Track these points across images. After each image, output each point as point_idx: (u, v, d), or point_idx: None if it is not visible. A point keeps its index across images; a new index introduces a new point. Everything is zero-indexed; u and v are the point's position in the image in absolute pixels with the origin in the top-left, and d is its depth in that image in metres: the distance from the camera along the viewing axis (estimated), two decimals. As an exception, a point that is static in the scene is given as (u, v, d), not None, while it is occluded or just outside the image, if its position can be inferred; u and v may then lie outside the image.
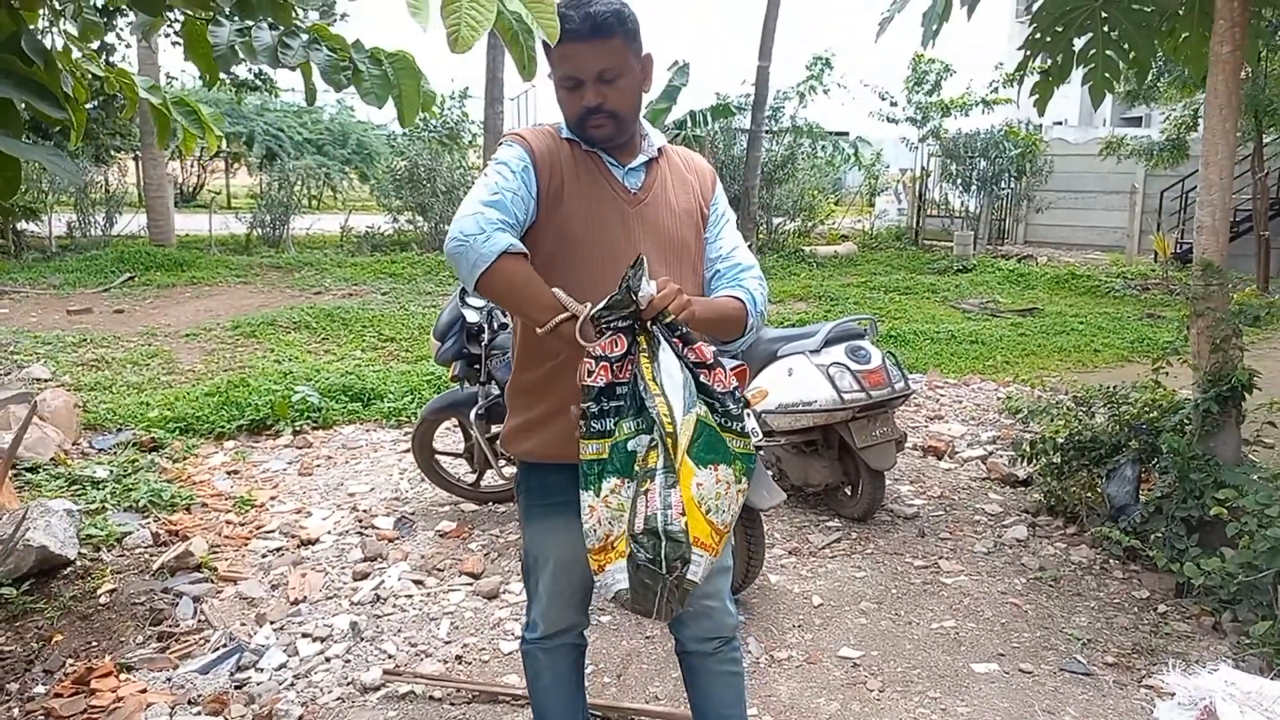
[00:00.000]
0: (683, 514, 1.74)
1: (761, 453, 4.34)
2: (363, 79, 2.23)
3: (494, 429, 4.24)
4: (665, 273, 1.98)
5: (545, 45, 1.88)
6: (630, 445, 1.77)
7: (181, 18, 2.36)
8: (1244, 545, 3.27)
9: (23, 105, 1.79)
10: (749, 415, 1.85)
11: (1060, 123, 22.79)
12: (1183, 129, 12.84)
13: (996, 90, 16.38)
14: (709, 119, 14.66)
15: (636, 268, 1.75)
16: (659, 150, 2.07)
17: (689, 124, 14.54)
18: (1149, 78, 10.97)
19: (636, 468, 1.77)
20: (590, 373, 1.76)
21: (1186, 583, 3.45)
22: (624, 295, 1.75)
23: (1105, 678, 3.04)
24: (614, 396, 1.79)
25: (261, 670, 3.08)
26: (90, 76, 2.53)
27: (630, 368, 1.80)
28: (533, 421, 2.01)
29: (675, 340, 1.83)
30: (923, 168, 17.69)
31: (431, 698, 2.92)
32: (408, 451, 5.12)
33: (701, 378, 1.82)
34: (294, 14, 2.29)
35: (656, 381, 1.77)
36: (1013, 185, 17.24)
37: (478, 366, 4.22)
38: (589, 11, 1.83)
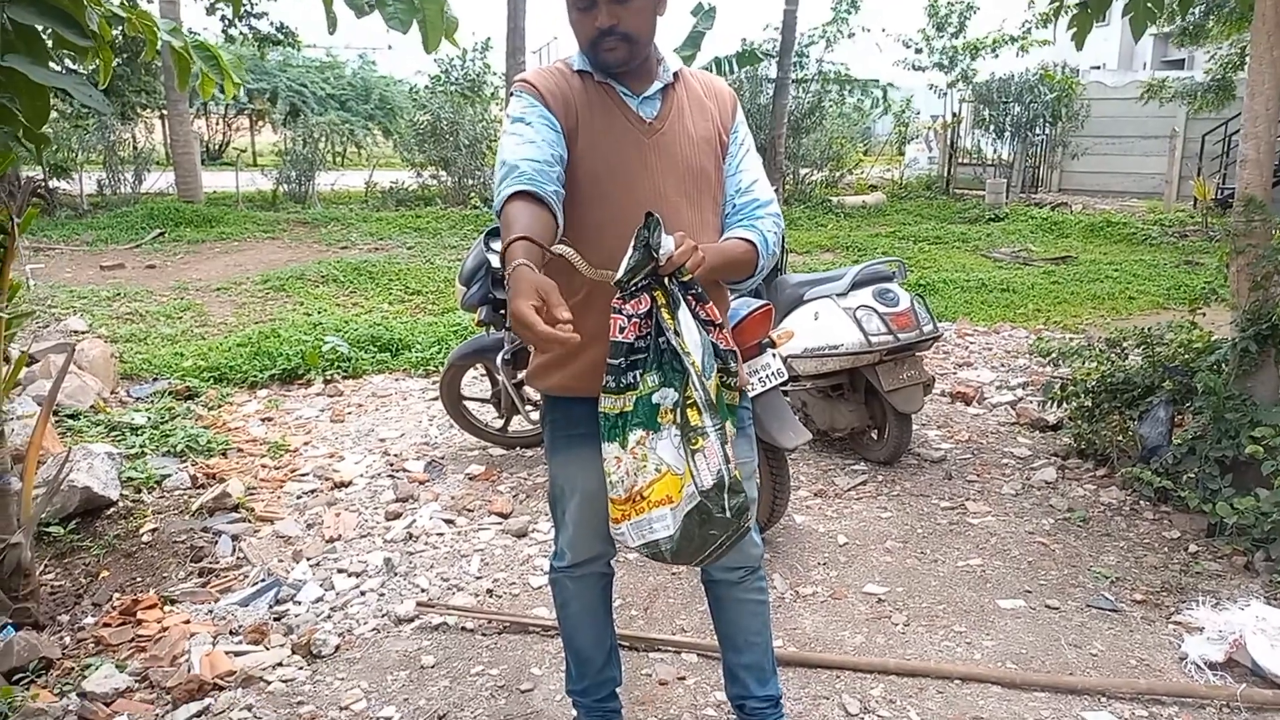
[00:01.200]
0: (736, 466, 1.81)
1: (788, 397, 4.35)
2: (386, 3, 2.21)
3: (520, 374, 4.27)
4: (685, 204, 1.97)
5: None
6: (655, 399, 1.79)
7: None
8: (1279, 484, 3.24)
9: (48, 35, 1.80)
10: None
11: (1098, 66, 22.19)
12: (1228, 69, 12.42)
13: (1029, 31, 15.94)
14: (734, 66, 14.43)
15: (652, 225, 1.72)
16: (675, 75, 2.02)
17: (713, 72, 14.33)
18: (1196, 14, 10.62)
19: (660, 420, 1.80)
20: (622, 329, 1.78)
21: (1219, 522, 3.42)
22: (644, 255, 1.74)
23: (1133, 614, 3.05)
24: (635, 351, 1.81)
25: (299, 603, 3.16)
26: (112, 15, 2.53)
27: (650, 322, 1.81)
28: (555, 360, 2.02)
29: (689, 298, 1.83)
30: (954, 114, 17.34)
31: (464, 628, 2.99)
32: (436, 399, 5.18)
33: (710, 335, 1.84)
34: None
35: (681, 337, 1.78)
36: (1047, 131, 16.84)
37: (503, 311, 4.24)
38: None
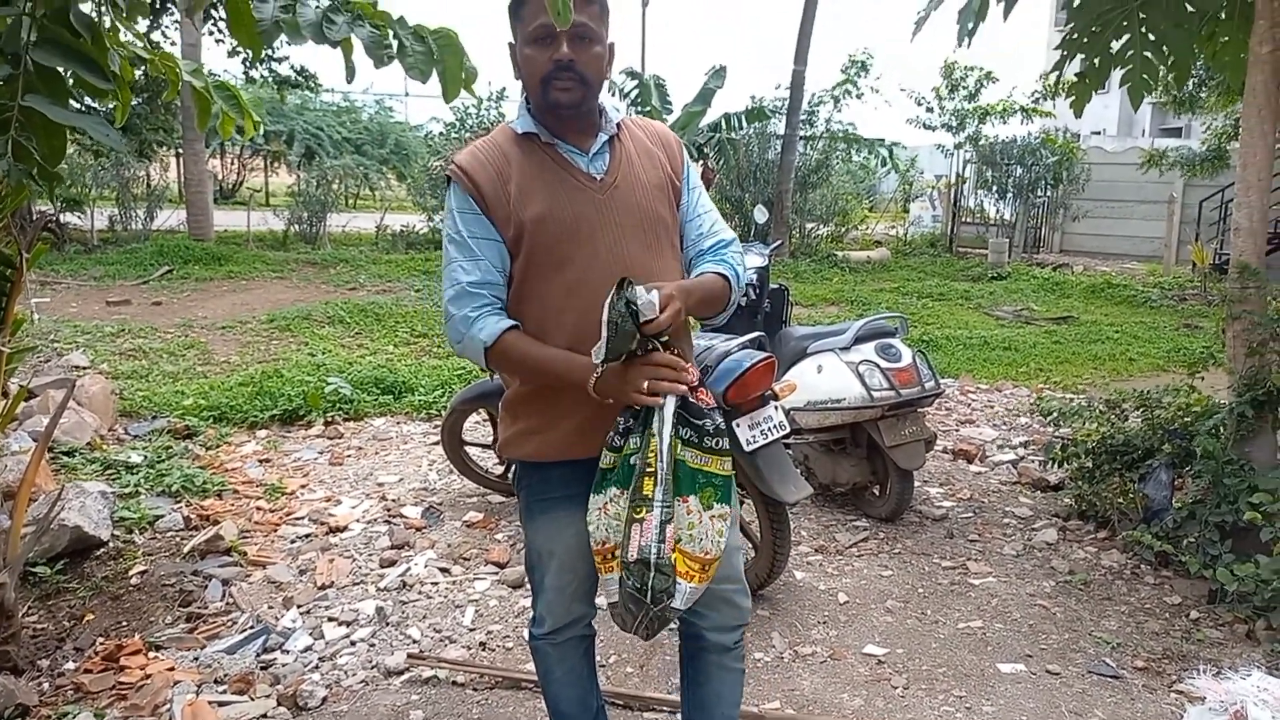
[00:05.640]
0: (673, 549, 1.76)
1: (790, 450, 4.33)
2: (406, 54, 2.26)
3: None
4: (646, 254, 1.96)
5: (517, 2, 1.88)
6: (633, 460, 1.81)
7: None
8: (1278, 551, 3.21)
9: (69, 76, 1.84)
10: (731, 427, 1.85)
11: (1098, 132, 22.51)
12: (1223, 139, 12.61)
13: (1039, 101, 16.19)
14: (743, 122, 14.63)
15: (626, 289, 1.69)
16: (618, 126, 2.03)
17: (723, 127, 14.52)
18: (1190, 86, 10.81)
19: (633, 484, 1.79)
20: None
21: (1220, 589, 3.39)
22: (625, 321, 1.69)
23: (1134, 681, 3.00)
24: (632, 415, 1.83)
25: (288, 652, 3.11)
26: (135, 58, 2.58)
27: None
28: (531, 428, 2.01)
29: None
30: (958, 174, 17.53)
31: (454, 683, 2.94)
32: (437, 444, 5.16)
33: (688, 397, 1.82)
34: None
35: (662, 407, 1.78)
36: (1049, 193, 17.03)
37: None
38: None
